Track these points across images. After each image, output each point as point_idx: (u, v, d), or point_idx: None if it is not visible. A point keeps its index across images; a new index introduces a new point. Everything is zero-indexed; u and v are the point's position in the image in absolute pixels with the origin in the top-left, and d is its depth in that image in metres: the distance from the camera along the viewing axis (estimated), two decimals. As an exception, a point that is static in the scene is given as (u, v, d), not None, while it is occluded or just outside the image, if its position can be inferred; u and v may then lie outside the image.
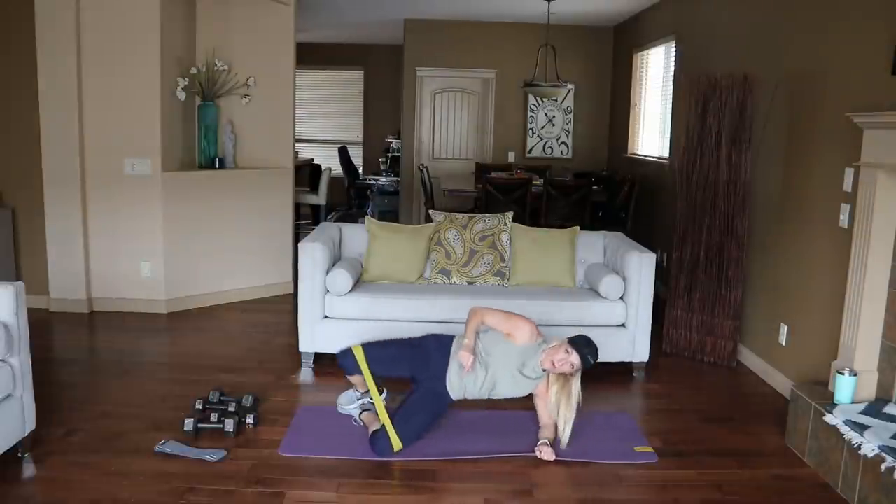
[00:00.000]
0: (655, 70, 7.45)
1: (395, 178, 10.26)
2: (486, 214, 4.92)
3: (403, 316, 4.29)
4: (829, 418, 3.20)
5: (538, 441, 3.34)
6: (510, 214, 4.90)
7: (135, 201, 5.34)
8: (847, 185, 3.70)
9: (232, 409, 3.59)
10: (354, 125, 12.09)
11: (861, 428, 3.04)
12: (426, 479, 3.11)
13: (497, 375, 3.39)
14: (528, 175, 7.22)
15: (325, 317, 4.36)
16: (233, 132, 6.01)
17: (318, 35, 10.43)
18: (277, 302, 5.96)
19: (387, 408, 3.37)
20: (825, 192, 3.92)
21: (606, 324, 4.39)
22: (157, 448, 3.24)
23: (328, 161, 11.04)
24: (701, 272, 4.78)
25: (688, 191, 4.84)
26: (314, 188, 8.51)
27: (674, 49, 6.70)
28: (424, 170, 8.12)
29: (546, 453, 3.27)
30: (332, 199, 9.13)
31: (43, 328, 4.97)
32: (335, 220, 8.57)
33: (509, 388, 3.43)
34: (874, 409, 3.23)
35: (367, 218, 4.94)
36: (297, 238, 5.85)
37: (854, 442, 3.00)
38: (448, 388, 3.41)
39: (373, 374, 3.40)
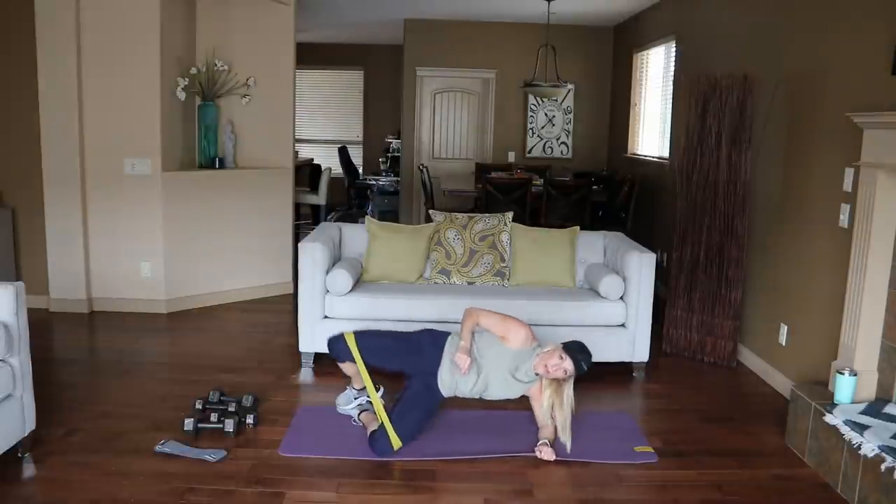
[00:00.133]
0: (655, 70, 7.45)
1: (395, 178, 10.26)
2: (486, 214, 4.92)
3: (403, 316, 4.29)
4: (829, 418, 3.20)
5: (538, 441, 3.34)
6: (510, 214, 4.90)
7: (135, 201, 5.34)
8: (847, 185, 3.69)
9: (232, 409, 3.59)
10: (354, 125, 12.09)
11: (861, 428, 3.04)
12: (426, 479, 3.11)
13: (490, 378, 3.38)
14: (528, 175, 7.22)
15: (326, 317, 4.36)
16: (233, 132, 6.01)
17: (318, 35, 10.43)
18: (277, 302, 5.96)
19: (384, 406, 3.37)
20: (825, 192, 3.92)
21: (606, 324, 4.39)
22: (157, 448, 3.25)
23: (328, 161, 11.05)
24: (701, 272, 4.78)
25: (688, 191, 4.84)
26: (314, 188, 8.51)
27: (674, 49, 6.70)
28: (424, 170, 8.12)
29: (546, 453, 3.27)
30: (332, 199, 9.13)
31: (43, 328, 4.98)
32: (335, 220, 8.56)
33: (501, 390, 3.43)
34: (874, 409, 3.23)
35: (367, 218, 4.94)
36: (297, 238, 5.85)
37: (854, 442, 3.00)
38: (440, 384, 3.40)
39: (366, 365, 3.40)
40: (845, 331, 3.52)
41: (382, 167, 11.18)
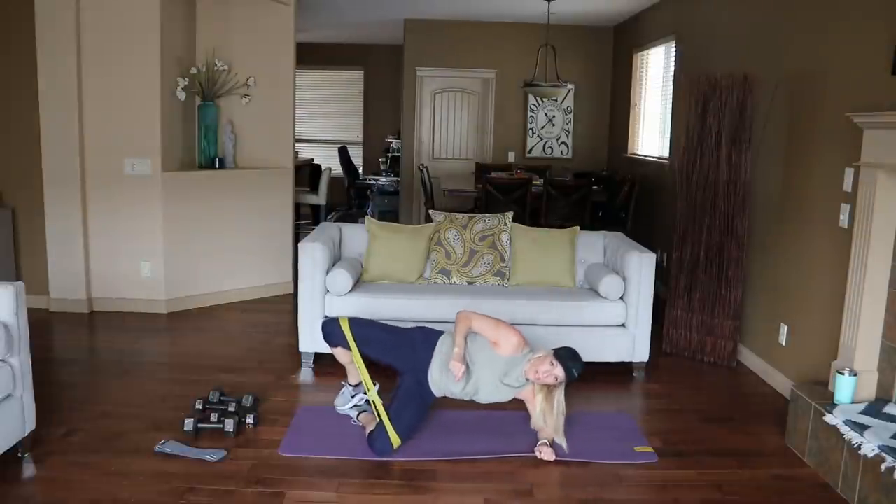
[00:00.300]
0: (655, 70, 7.45)
1: (395, 178, 10.26)
2: (486, 214, 4.92)
3: (403, 316, 4.28)
4: (829, 418, 3.20)
5: (538, 441, 3.34)
6: (510, 214, 4.89)
7: (135, 201, 5.34)
8: (847, 185, 3.69)
9: (232, 409, 3.59)
10: (354, 125, 12.09)
11: (861, 428, 3.04)
12: (426, 480, 3.11)
13: (480, 382, 3.39)
14: (528, 175, 7.22)
15: (326, 317, 4.36)
16: (233, 132, 6.01)
17: (318, 35, 10.43)
18: (277, 302, 5.96)
19: (383, 405, 3.37)
20: (825, 192, 3.92)
21: (606, 324, 4.39)
22: (157, 448, 3.24)
23: (328, 161, 11.05)
24: (701, 272, 4.78)
25: (688, 191, 4.84)
26: (314, 188, 8.51)
27: (674, 49, 6.70)
28: (424, 170, 8.12)
29: (546, 453, 3.27)
30: (332, 199, 9.13)
31: (43, 328, 4.98)
32: (335, 220, 8.57)
33: (491, 394, 3.43)
34: (874, 409, 3.23)
35: (367, 218, 4.94)
36: (297, 238, 5.85)
37: (854, 442, 3.00)
38: (430, 383, 3.41)
39: (360, 354, 3.40)
40: (845, 331, 3.52)
41: (382, 167, 11.18)
